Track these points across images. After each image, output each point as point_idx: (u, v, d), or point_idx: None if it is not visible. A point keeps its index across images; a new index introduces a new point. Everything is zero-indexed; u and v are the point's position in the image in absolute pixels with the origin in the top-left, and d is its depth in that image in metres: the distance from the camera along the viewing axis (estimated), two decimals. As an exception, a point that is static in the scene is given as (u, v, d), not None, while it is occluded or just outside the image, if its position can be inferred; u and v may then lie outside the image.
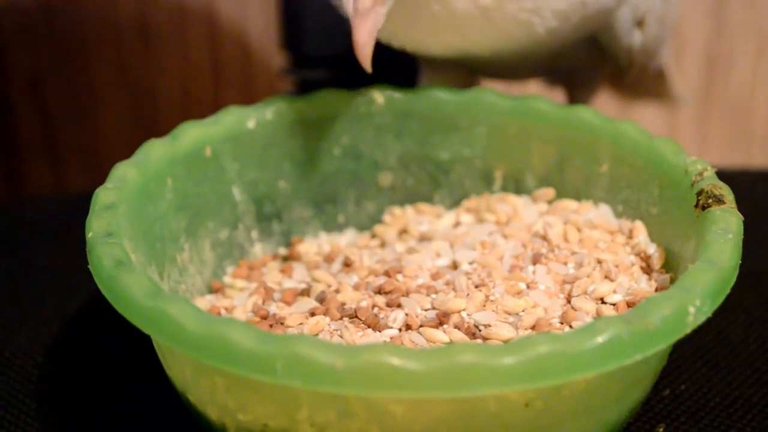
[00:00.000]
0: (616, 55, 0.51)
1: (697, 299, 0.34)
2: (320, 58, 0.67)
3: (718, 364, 0.45)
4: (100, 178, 0.42)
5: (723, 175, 0.41)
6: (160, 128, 0.47)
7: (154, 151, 0.43)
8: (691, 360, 0.46)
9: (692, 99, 0.66)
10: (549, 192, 0.47)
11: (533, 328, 0.39)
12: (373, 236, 0.48)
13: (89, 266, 0.37)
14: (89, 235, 0.38)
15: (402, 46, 0.47)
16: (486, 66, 0.52)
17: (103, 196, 0.40)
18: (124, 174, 0.41)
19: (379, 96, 0.48)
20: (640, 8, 0.49)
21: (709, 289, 0.34)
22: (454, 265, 0.43)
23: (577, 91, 0.56)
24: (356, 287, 0.42)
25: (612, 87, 0.63)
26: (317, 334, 0.39)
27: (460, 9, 0.43)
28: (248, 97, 0.89)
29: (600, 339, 0.32)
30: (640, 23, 0.50)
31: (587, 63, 0.53)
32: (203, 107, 0.89)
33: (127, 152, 0.44)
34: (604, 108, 0.66)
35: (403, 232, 0.47)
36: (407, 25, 0.44)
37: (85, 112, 0.90)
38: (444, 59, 0.49)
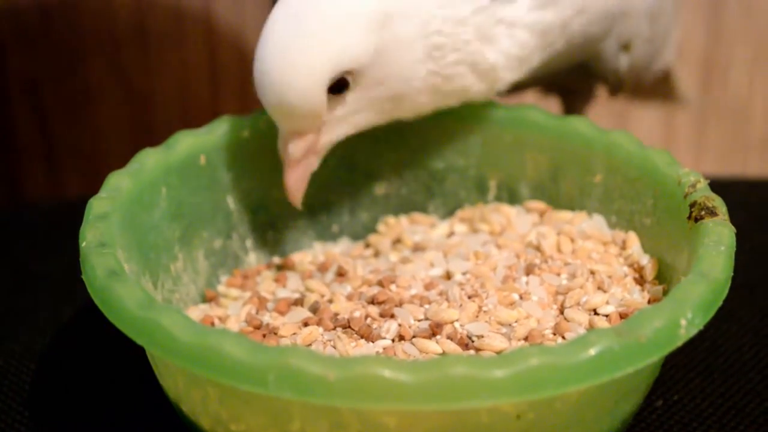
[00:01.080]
0: (605, 77, 0.52)
1: (688, 312, 0.34)
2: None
3: (712, 374, 0.45)
4: (98, 182, 0.42)
5: (718, 183, 0.41)
6: (158, 132, 0.47)
7: (149, 160, 0.43)
8: (684, 370, 0.46)
9: (693, 100, 0.66)
10: (542, 204, 0.47)
11: (526, 339, 0.39)
12: (367, 246, 0.48)
13: (82, 276, 0.37)
14: (83, 244, 0.38)
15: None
16: None
17: (96, 205, 0.40)
18: (118, 183, 0.41)
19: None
20: (624, 35, 0.49)
21: (700, 302, 0.34)
22: (448, 276, 0.43)
23: (572, 100, 0.56)
24: (349, 297, 0.42)
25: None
26: (310, 345, 0.39)
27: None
28: (246, 101, 0.89)
29: (591, 351, 0.32)
30: (626, 47, 0.50)
31: (581, 79, 0.54)
32: (201, 111, 0.89)
33: (124, 155, 0.44)
34: (600, 118, 0.66)
35: (397, 241, 0.47)
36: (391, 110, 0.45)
37: (82, 115, 0.90)
38: None
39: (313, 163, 0.44)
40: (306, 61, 0.41)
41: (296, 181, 0.44)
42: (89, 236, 0.38)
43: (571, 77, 0.52)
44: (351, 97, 0.43)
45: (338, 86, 0.42)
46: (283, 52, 0.41)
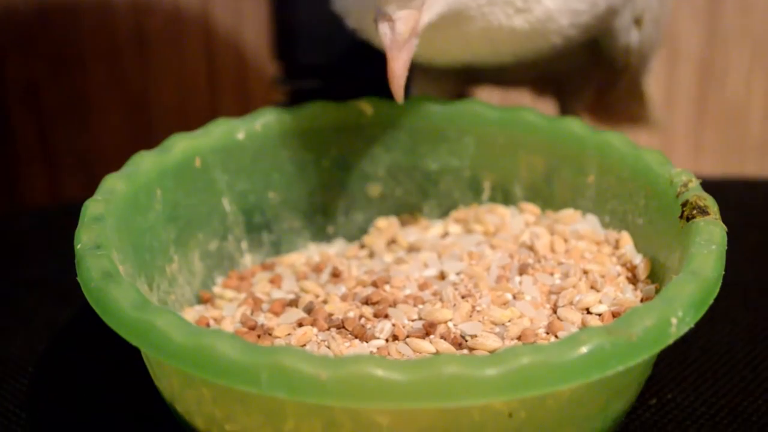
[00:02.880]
0: (613, 56, 0.52)
1: (679, 310, 0.34)
2: (312, 68, 0.68)
3: (705, 373, 0.46)
4: (97, 185, 0.42)
5: (712, 183, 0.42)
6: (156, 136, 0.47)
7: (144, 162, 0.43)
8: (677, 369, 0.46)
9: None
10: (536, 207, 0.47)
11: (519, 338, 0.39)
12: (362, 247, 0.49)
13: (78, 278, 0.37)
14: (78, 246, 0.38)
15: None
16: (484, 71, 0.52)
17: (92, 207, 0.40)
18: (113, 186, 0.42)
19: (367, 107, 0.49)
20: (638, 6, 0.50)
21: (691, 301, 0.35)
22: (442, 276, 0.43)
23: (567, 101, 0.56)
24: (344, 298, 0.42)
25: (588, 110, 0.63)
26: (305, 345, 0.39)
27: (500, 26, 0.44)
28: (244, 105, 0.90)
29: (582, 350, 0.32)
30: (638, 21, 0.51)
31: (581, 68, 0.54)
32: (199, 116, 0.89)
33: (123, 159, 0.44)
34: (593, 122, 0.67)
35: (391, 242, 0.47)
36: (433, 40, 0.44)
37: (81, 119, 0.90)
38: (445, 68, 0.50)
39: (413, 47, 0.40)
40: None
41: (402, 67, 0.40)
42: (84, 238, 0.38)
43: (574, 65, 0.52)
44: None
45: None
46: None
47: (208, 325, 0.43)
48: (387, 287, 0.42)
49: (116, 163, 0.44)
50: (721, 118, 0.92)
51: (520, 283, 0.42)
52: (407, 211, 0.50)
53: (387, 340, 0.39)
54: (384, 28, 0.40)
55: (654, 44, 0.55)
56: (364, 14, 0.46)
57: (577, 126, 0.46)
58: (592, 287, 0.41)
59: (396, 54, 0.40)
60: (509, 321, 0.40)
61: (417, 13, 0.40)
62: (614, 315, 0.40)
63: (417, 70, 0.53)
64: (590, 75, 0.55)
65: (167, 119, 0.91)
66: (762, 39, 0.90)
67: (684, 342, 0.36)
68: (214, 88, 0.90)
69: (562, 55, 0.49)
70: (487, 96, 0.59)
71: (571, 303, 0.40)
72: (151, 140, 0.48)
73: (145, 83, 0.89)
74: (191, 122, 0.86)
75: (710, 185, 0.41)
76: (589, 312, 0.40)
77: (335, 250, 0.49)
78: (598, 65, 0.53)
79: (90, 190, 0.42)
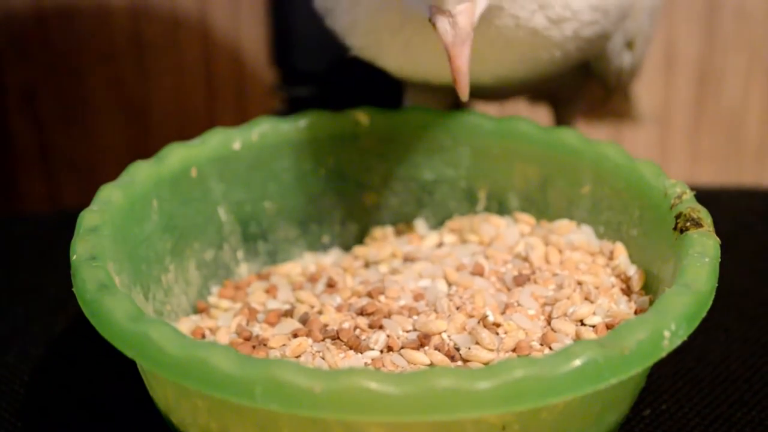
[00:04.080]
0: (605, 77, 0.52)
1: (672, 323, 0.34)
2: (310, 74, 0.68)
3: (699, 383, 0.46)
4: (95, 191, 0.42)
5: (706, 192, 0.42)
6: (154, 142, 0.48)
7: (140, 172, 0.44)
8: (672, 379, 0.46)
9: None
10: (531, 217, 0.47)
11: (514, 350, 0.39)
12: (357, 257, 0.49)
13: (73, 289, 0.37)
14: (73, 258, 0.38)
15: (407, 76, 0.48)
16: (479, 89, 0.52)
17: (87, 218, 0.40)
18: (109, 196, 0.42)
19: (363, 117, 0.49)
20: (630, 31, 0.50)
21: (684, 313, 0.35)
22: (437, 287, 0.43)
23: (562, 111, 0.56)
24: (339, 308, 0.43)
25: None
26: (299, 356, 0.40)
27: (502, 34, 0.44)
28: (241, 112, 0.90)
29: (575, 363, 0.33)
30: (629, 44, 0.51)
31: (574, 84, 0.54)
32: (197, 121, 0.89)
33: (121, 164, 0.44)
34: (594, 128, 0.67)
35: (386, 252, 0.47)
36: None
37: (79, 124, 0.90)
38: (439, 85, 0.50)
39: (471, 42, 0.39)
40: None
41: (467, 63, 0.39)
42: (80, 249, 0.38)
43: (568, 81, 0.52)
44: None
45: None
46: None
47: (203, 335, 0.43)
48: (382, 298, 0.42)
49: (114, 168, 0.44)
50: (718, 124, 0.92)
51: (515, 294, 0.42)
52: (402, 221, 0.50)
53: (382, 351, 0.40)
54: (444, 25, 0.39)
55: (642, 58, 0.55)
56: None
57: (572, 137, 0.46)
58: (586, 298, 0.41)
59: (460, 50, 0.39)
60: (504, 332, 0.40)
61: (473, 5, 0.39)
62: (608, 327, 0.40)
63: (410, 84, 0.53)
64: (584, 91, 0.55)
65: (165, 124, 0.91)
66: (759, 45, 0.90)
67: (678, 353, 0.36)
68: (212, 93, 0.90)
69: (556, 76, 0.49)
70: (483, 105, 0.59)
71: (565, 314, 0.40)
72: (148, 145, 0.49)
73: (143, 89, 0.89)
74: (189, 128, 0.86)
75: (706, 194, 0.41)
76: (583, 324, 0.40)
77: (331, 259, 0.50)
78: (592, 83, 0.53)
79: (88, 195, 0.42)
